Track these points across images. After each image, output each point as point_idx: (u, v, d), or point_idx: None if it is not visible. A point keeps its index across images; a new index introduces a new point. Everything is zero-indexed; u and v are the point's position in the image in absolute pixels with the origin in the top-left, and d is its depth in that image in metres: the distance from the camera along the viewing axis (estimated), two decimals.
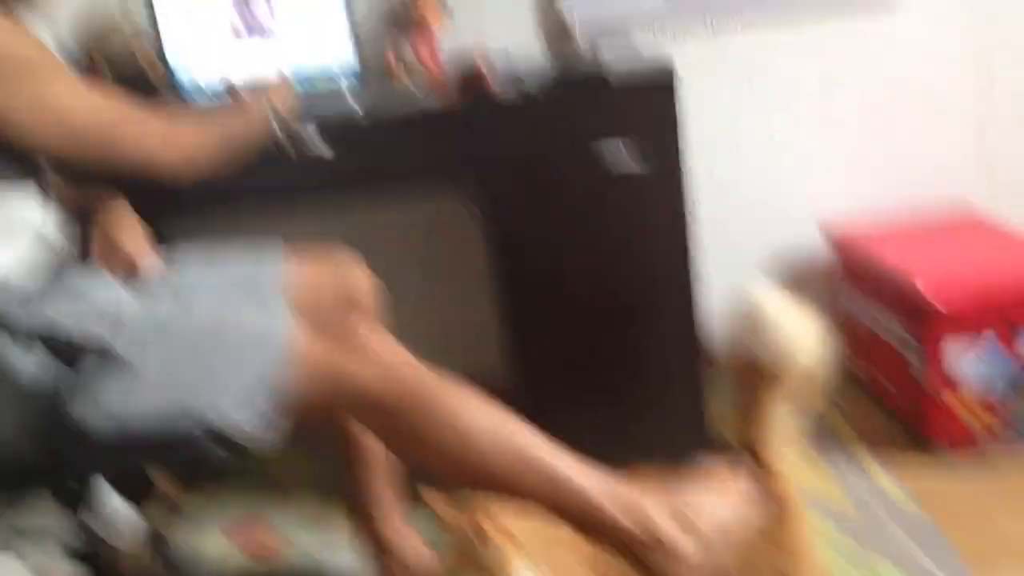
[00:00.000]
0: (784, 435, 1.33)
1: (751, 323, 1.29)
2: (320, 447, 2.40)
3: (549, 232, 1.94)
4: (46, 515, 1.65)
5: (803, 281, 2.57)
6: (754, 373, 1.30)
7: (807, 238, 2.55)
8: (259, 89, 1.80)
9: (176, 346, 1.33)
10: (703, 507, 1.29)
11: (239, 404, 1.31)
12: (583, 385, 2.03)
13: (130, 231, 1.61)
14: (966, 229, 2.37)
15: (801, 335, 1.28)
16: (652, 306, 1.99)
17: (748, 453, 1.35)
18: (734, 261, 2.52)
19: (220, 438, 1.31)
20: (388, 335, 1.45)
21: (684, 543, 1.26)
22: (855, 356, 2.43)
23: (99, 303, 1.40)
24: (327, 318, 1.64)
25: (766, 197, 2.53)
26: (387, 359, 1.37)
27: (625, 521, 1.26)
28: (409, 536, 1.81)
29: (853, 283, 2.39)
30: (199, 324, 1.37)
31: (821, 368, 1.29)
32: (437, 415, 1.33)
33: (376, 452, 1.73)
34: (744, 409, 1.34)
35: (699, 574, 1.27)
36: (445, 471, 1.37)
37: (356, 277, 1.74)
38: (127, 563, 1.94)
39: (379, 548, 1.80)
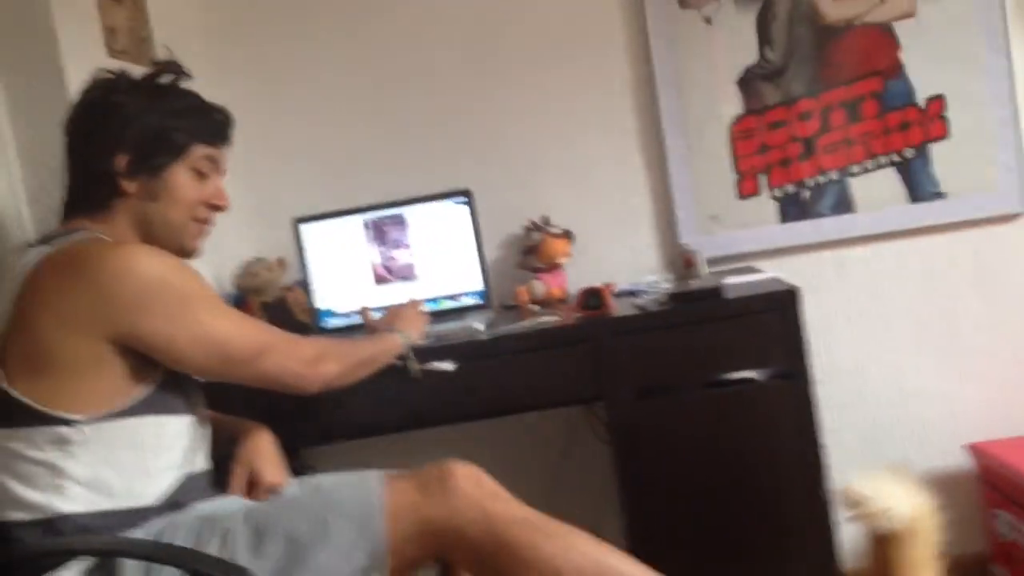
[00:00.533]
0: None
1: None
2: None
3: (674, 450, 1.92)
4: None
5: (949, 504, 2.42)
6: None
7: (946, 458, 2.43)
8: (391, 311, 1.94)
9: (280, 536, 1.40)
10: None
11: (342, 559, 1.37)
12: None
13: (266, 456, 1.68)
14: None
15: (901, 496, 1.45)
16: (784, 529, 1.91)
17: None
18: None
19: None
20: (477, 469, 1.48)
21: None
22: None
23: (211, 511, 1.48)
24: None
25: (898, 415, 2.46)
26: (472, 492, 1.42)
27: None
28: None
29: (1006, 504, 2.23)
30: (297, 509, 1.45)
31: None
32: (527, 553, 1.37)
33: None
34: None
35: None
36: None
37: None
38: None
39: None
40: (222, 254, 2.38)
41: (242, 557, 1.39)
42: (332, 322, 2.28)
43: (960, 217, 2.40)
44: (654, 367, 1.93)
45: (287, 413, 1.73)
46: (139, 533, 1.42)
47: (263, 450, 1.69)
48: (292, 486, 1.63)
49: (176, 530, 1.43)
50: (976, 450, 2.36)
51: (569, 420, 2.46)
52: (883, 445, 2.46)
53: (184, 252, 1.59)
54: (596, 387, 1.95)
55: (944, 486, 2.43)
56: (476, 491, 1.44)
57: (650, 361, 1.92)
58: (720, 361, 1.92)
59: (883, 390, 2.46)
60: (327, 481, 1.64)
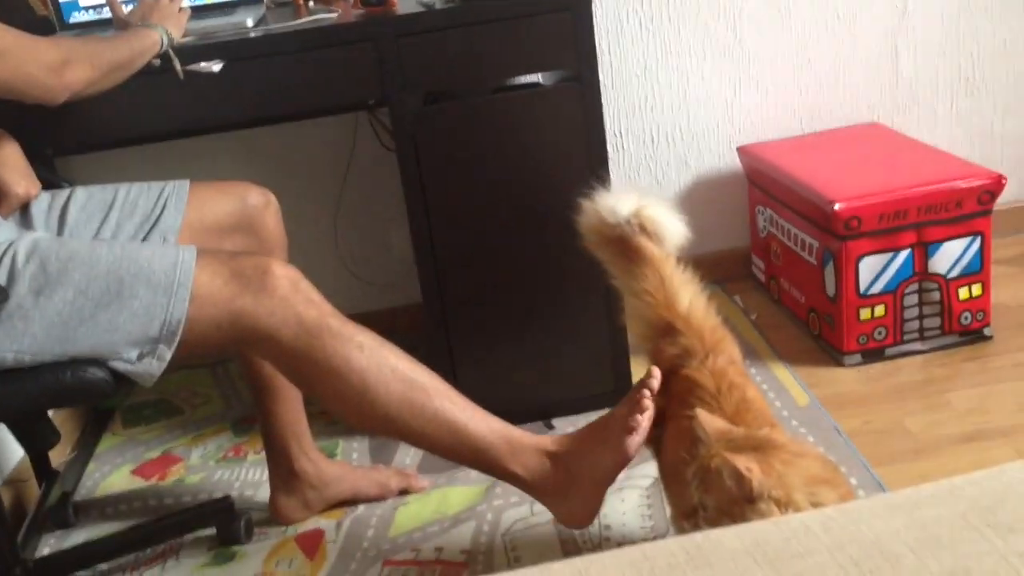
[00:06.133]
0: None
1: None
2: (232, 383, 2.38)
3: (460, 153, 1.89)
4: None
5: (717, 199, 2.58)
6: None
7: (720, 158, 2.55)
8: (146, 6, 1.72)
9: (70, 285, 1.31)
10: (587, 456, 1.40)
11: (132, 341, 1.33)
12: (500, 313, 2.00)
13: (15, 166, 1.52)
14: (876, 145, 2.39)
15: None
16: (567, 231, 1.96)
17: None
18: (648, 182, 2.52)
19: (111, 374, 1.34)
20: (297, 273, 1.42)
21: (563, 487, 1.41)
22: (771, 273, 2.45)
23: None
24: (232, 248, 1.63)
25: (678, 118, 2.52)
26: (288, 296, 1.37)
27: (514, 467, 1.42)
28: (321, 461, 1.81)
29: (767, 202, 2.39)
30: (96, 262, 1.34)
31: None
32: (336, 362, 1.37)
33: (284, 382, 1.69)
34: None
35: (576, 516, 1.43)
36: (344, 414, 1.46)
37: (256, 202, 1.71)
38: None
39: (293, 477, 1.77)
40: None
41: (20, 292, 1.29)
42: (77, 16, 2.00)
43: None
44: (440, 71, 1.84)
45: (34, 118, 1.53)
46: None
47: (7, 158, 1.52)
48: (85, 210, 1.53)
49: None
50: (744, 152, 2.49)
51: (351, 127, 2.36)
52: (662, 148, 2.54)
53: None
54: (379, 91, 1.86)
55: (716, 186, 2.59)
56: (293, 294, 1.37)
57: (436, 64, 1.83)
58: (508, 65, 1.87)
59: (667, 95, 2.50)
60: (125, 215, 1.55)
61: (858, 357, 2.12)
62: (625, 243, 1.53)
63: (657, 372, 1.38)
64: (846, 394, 2.03)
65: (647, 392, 1.35)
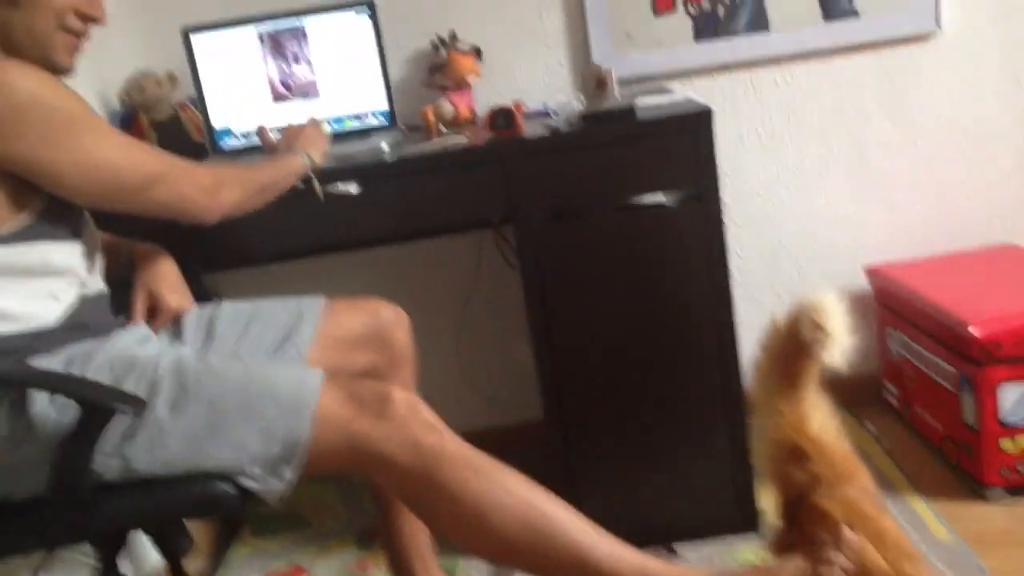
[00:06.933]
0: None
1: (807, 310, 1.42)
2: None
3: (583, 270, 1.91)
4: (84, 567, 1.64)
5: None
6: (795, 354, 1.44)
7: (848, 279, 2.49)
8: (291, 133, 1.84)
9: (192, 395, 1.35)
10: None
11: (257, 459, 1.34)
12: (622, 430, 1.98)
13: (165, 278, 1.62)
14: (1012, 266, 2.29)
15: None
16: (691, 349, 1.94)
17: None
18: (774, 304, 2.47)
19: (238, 490, 1.35)
20: (416, 398, 1.43)
21: None
22: (904, 398, 2.35)
23: (118, 347, 1.43)
24: (356, 367, 1.67)
25: (804, 238, 2.50)
26: (408, 423, 1.37)
27: None
28: None
29: (899, 324, 2.32)
30: (229, 379, 1.39)
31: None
32: (452, 488, 1.35)
33: None
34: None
35: None
36: (461, 541, 1.40)
37: (389, 319, 1.75)
38: None
39: None
40: (105, 67, 2.21)
41: (161, 410, 1.34)
42: (230, 143, 2.15)
43: (874, 36, 2.36)
44: (564, 189, 1.89)
45: (185, 236, 1.64)
46: (48, 358, 1.36)
47: (164, 274, 1.62)
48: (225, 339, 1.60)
49: (88, 361, 1.37)
50: (873, 272, 2.43)
51: (478, 244, 2.43)
52: (785, 266, 2.51)
53: (54, 68, 1.42)
54: (505, 210, 1.91)
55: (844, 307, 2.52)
56: (412, 419, 1.37)
57: (560, 183, 1.88)
58: (630, 184, 1.89)
59: (790, 213, 2.48)
60: (257, 332, 1.62)
61: (1002, 491, 1.99)
62: (796, 356, 1.45)
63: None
64: (991, 532, 1.90)
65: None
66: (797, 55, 2.39)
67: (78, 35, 1.46)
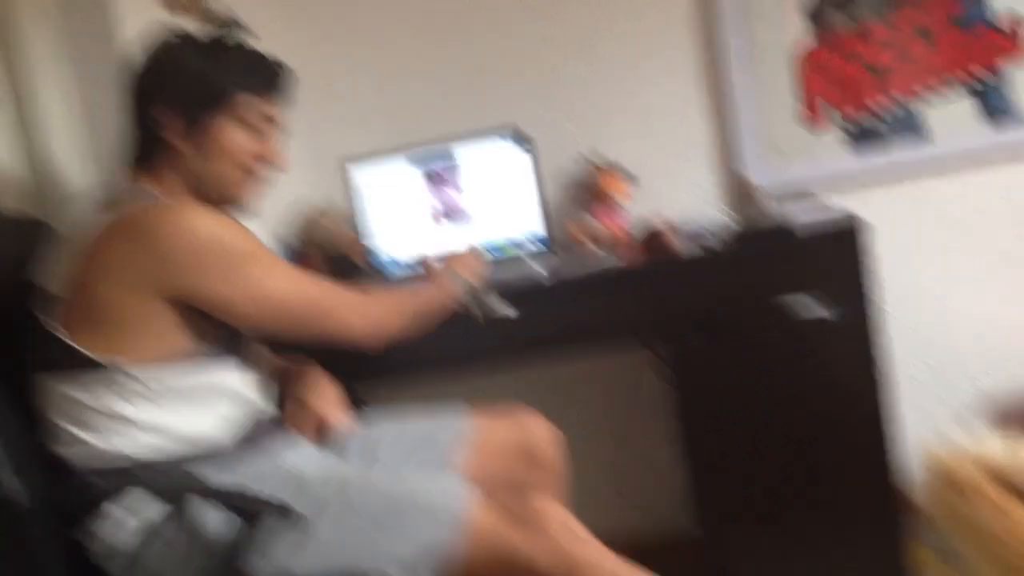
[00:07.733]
0: None
1: None
2: None
3: (738, 387, 1.90)
4: None
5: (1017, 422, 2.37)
6: None
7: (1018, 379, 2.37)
8: (450, 259, 1.93)
9: (352, 510, 1.41)
10: None
11: (405, 566, 1.37)
12: (773, 540, 1.93)
13: (324, 395, 1.71)
14: None
15: None
16: (845, 457, 1.90)
17: None
18: (938, 407, 2.39)
19: None
20: (562, 508, 1.45)
21: None
22: None
23: (287, 464, 1.51)
24: (505, 479, 1.70)
25: (968, 340, 2.40)
26: (558, 535, 1.40)
27: None
28: None
29: None
30: (376, 489, 1.45)
31: None
32: None
33: None
34: None
35: None
36: None
37: (538, 433, 1.78)
38: None
39: None
40: (270, 199, 2.36)
41: (325, 527, 1.39)
42: (392, 271, 2.26)
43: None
44: (719, 307, 1.89)
45: (341, 351, 1.70)
46: (221, 475, 1.44)
47: (325, 392, 1.71)
48: (383, 445, 1.67)
49: (263, 481, 1.44)
50: None
51: (633, 362, 2.44)
52: (954, 376, 2.41)
53: (236, 206, 1.57)
54: (660, 329, 1.92)
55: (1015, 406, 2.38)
56: (564, 534, 1.41)
57: (715, 302, 1.89)
58: (787, 298, 1.87)
59: (957, 325, 2.39)
60: (411, 442, 1.68)
61: None
62: None
63: None
64: None
65: None
66: (961, 162, 2.33)
67: (258, 177, 1.59)
